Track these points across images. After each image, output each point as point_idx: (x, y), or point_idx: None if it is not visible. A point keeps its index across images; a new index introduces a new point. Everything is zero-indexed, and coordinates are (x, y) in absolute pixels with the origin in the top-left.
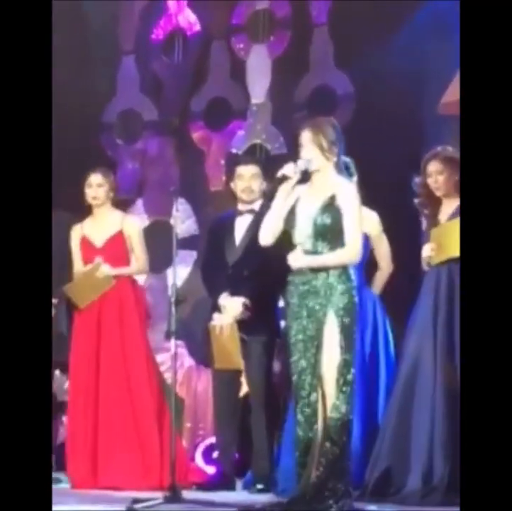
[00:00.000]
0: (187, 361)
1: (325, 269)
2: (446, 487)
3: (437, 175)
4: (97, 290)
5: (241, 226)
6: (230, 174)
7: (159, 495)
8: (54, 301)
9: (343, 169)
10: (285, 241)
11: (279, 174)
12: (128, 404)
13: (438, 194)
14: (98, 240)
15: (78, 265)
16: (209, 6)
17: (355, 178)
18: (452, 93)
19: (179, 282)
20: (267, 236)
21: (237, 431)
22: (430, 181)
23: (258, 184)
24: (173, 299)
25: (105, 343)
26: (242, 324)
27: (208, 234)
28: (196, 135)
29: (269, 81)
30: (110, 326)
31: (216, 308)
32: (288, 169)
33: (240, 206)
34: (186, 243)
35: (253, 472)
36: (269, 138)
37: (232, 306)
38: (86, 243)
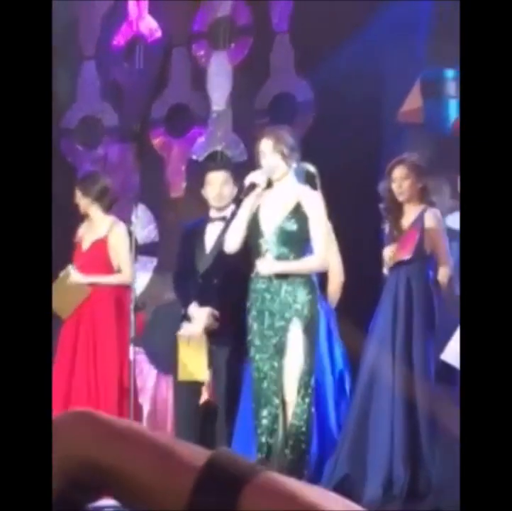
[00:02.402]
0: (147, 368)
1: (289, 277)
2: (406, 496)
3: (401, 181)
4: (73, 299)
5: (212, 233)
6: (200, 181)
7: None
8: None
9: (303, 177)
10: (251, 249)
11: (248, 182)
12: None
13: (401, 199)
14: (86, 243)
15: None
16: (170, 12)
17: (318, 185)
18: (412, 101)
19: (140, 289)
20: (233, 243)
21: (197, 441)
22: (395, 186)
23: (229, 190)
24: (132, 307)
25: (80, 355)
26: (210, 334)
27: (179, 241)
28: (156, 142)
29: (230, 88)
30: (86, 337)
31: (185, 316)
32: (256, 176)
33: (212, 213)
34: (147, 250)
35: None
36: (230, 144)
37: (200, 317)
38: (78, 246)
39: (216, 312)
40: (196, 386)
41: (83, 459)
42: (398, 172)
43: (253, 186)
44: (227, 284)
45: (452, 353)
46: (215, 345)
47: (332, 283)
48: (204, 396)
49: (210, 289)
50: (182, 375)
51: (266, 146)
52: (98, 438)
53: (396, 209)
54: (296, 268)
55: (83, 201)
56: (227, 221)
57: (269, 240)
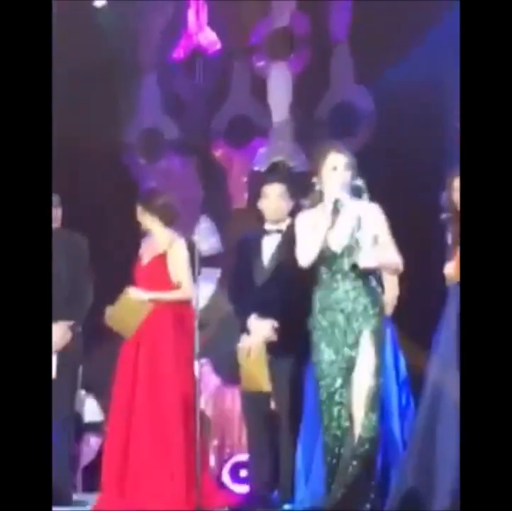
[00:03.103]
0: (213, 379)
1: (357, 291)
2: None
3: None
4: (136, 316)
5: (269, 246)
6: (257, 193)
7: None
8: (69, 323)
9: (354, 192)
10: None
11: (332, 199)
12: (159, 432)
13: None
14: (146, 257)
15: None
16: (229, 25)
17: (366, 198)
18: None
19: (204, 300)
20: (308, 257)
21: (270, 450)
22: (457, 196)
23: (285, 203)
24: (196, 323)
25: (142, 373)
26: (271, 346)
27: (235, 254)
28: (218, 154)
29: (290, 99)
30: (147, 354)
31: (244, 329)
32: (339, 192)
33: (267, 226)
34: (210, 261)
35: (279, 492)
36: (291, 155)
37: (260, 329)
38: (139, 261)
39: (276, 324)
40: (262, 396)
41: None
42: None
43: (337, 201)
44: (287, 297)
45: None
46: (275, 357)
47: (389, 294)
48: (273, 405)
49: (268, 302)
50: (246, 385)
51: (338, 161)
52: None
53: (458, 220)
54: (390, 260)
55: (145, 217)
56: (285, 234)
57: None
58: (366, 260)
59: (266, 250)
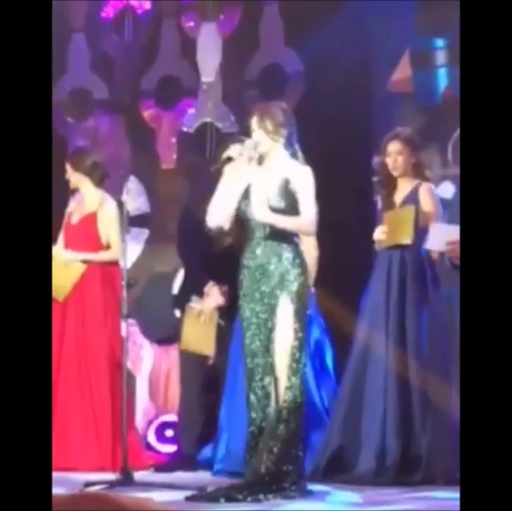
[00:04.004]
0: (139, 339)
1: (278, 254)
2: (399, 467)
3: (396, 155)
4: (67, 279)
5: None
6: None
7: (112, 477)
8: None
9: (292, 154)
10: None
11: (224, 155)
12: (86, 390)
13: (395, 173)
14: (75, 217)
15: (60, 243)
16: None
17: (301, 158)
18: (402, 71)
19: (131, 260)
20: (216, 218)
21: (201, 411)
22: (389, 161)
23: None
24: (124, 283)
25: (69, 332)
26: (221, 311)
27: (183, 211)
28: (146, 114)
29: (220, 60)
30: (75, 313)
31: (195, 290)
32: (234, 150)
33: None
34: (137, 221)
35: (205, 453)
36: (220, 116)
37: (216, 294)
38: (66, 221)
39: (230, 289)
40: (201, 357)
41: None
42: (393, 147)
43: (228, 159)
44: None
45: (434, 240)
46: (223, 320)
47: (308, 256)
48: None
49: (222, 266)
50: (185, 345)
51: (253, 122)
52: None
53: (390, 184)
54: (287, 224)
55: (74, 176)
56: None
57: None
58: (261, 215)
59: None
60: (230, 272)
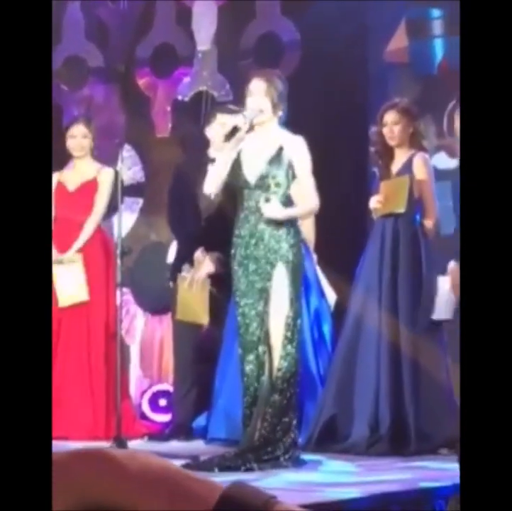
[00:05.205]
0: (133, 309)
1: (272, 222)
2: (391, 437)
3: (393, 125)
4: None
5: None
6: (208, 120)
7: (105, 446)
8: None
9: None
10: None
11: (230, 125)
12: (83, 357)
13: (392, 143)
14: (72, 185)
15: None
16: None
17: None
18: (398, 40)
19: (125, 230)
20: (211, 185)
21: (194, 381)
22: (386, 130)
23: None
24: (118, 251)
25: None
26: (213, 279)
27: (173, 181)
28: (142, 82)
29: (215, 28)
30: None
31: (185, 259)
32: (239, 120)
33: (213, 153)
34: (132, 190)
35: (200, 422)
36: (215, 84)
37: (207, 262)
38: (60, 188)
39: (222, 257)
40: (195, 327)
41: (97, 501)
42: (390, 117)
43: (236, 129)
44: (231, 228)
45: (440, 308)
46: (217, 289)
47: (305, 230)
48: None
49: (215, 233)
50: (180, 315)
51: (256, 88)
52: (112, 481)
53: (387, 154)
54: (298, 213)
55: (69, 144)
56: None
57: (248, 184)
58: (273, 212)
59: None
60: (221, 240)
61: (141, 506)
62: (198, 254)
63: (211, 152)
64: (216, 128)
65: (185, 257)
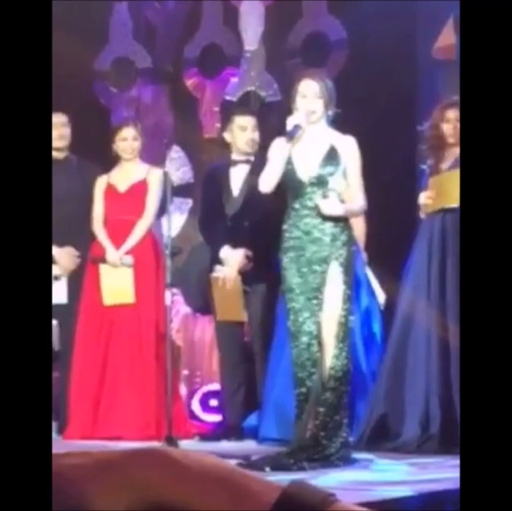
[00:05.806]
0: (183, 309)
1: (328, 220)
2: (442, 436)
3: (456, 122)
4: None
5: (237, 176)
6: (226, 124)
7: (157, 446)
8: (76, 253)
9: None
10: (286, 192)
11: (291, 124)
12: (136, 358)
13: (452, 140)
14: (122, 186)
15: (98, 211)
16: None
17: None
18: (446, 37)
19: (175, 230)
20: (268, 184)
21: (242, 380)
22: (447, 127)
23: (257, 135)
24: (168, 252)
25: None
26: (244, 276)
27: (202, 185)
28: (190, 83)
29: (262, 28)
30: None
31: (216, 260)
32: (300, 118)
33: (235, 156)
34: (181, 191)
35: (250, 422)
36: (263, 84)
37: (234, 259)
38: (110, 190)
39: (249, 253)
40: (237, 326)
41: (159, 500)
42: (454, 114)
43: (298, 128)
44: (260, 226)
45: None
46: (249, 286)
47: (356, 229)
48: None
49: (240, 232)
50: (220, 316)
51: (308, 88)
52: (173, 480)
53: (441, 150)
54: (355, 209)
55: (119, 145)
56: (254, 165)
57: (302, 183)
58: (331, 209)
59: (235, 181)
60: (252, 236)
61: (202, 505)
62: (225, 252)
63: (234, 155)
64: (236, 131)
65: (215, 257)
